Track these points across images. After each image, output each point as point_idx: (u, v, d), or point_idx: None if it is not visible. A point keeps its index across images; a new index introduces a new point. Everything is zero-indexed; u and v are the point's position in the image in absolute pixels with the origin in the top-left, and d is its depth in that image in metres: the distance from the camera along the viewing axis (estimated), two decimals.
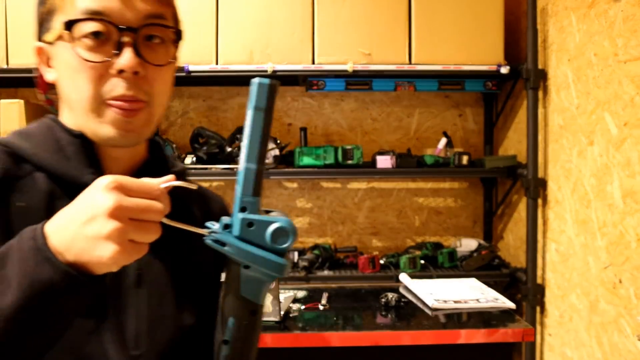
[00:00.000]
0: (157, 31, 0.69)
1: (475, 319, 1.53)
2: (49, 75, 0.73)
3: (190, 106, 2.82)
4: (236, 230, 0.60)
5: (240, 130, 2.56)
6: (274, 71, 2.29)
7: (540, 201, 2.39)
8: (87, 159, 0.70)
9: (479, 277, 1.95)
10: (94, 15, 0.65)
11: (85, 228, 0.52)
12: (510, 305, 1.59)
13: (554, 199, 2.30)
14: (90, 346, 0.68)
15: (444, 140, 2.60)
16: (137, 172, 0.74)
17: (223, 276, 0.64)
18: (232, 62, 2.34)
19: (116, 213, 0.52)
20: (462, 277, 1.90)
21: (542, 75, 2.35)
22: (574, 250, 2.11)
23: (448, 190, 2.90)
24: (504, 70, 2.38)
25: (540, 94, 2.38)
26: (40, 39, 0.72)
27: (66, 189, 0.68)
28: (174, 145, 2.53)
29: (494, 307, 1.58)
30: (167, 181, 0.59)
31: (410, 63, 2.39)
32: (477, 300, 1.62)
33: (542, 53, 2.36)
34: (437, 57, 2.38)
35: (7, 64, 2.37)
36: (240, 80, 2.62)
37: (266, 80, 0.58)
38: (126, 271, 0.71)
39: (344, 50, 2.36)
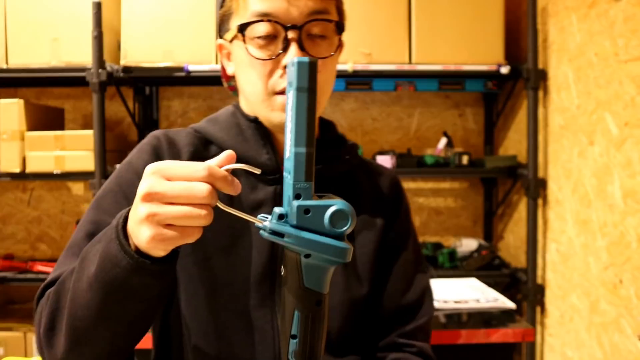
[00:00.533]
0: (319, 26, 0.74)
1: (476, 319, 1.53)
2: (229, 69, 0.82)
3: (190, 106, 2.82)
4: (293, 219, 0.57)
5: None
6: None
7: (540, 201, 2.38)
8: (262, 141, 0.78)
9: (479, 277, 1.94)
10: (263, 17, 0.72)
11: (133, 213, 0.56)
12: (511, 305, 1.58)
13: (554, 199, 2.29)
14: (259, 312, 0.74)
15: (444, 140, 2.60)
16: None
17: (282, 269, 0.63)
18: None
19: (148, 198, 0.54)
20: (462, 277, 1.90)
21: (543, 75, 2.35)
22: (575, 251, 2.11)
23: (448, 190, 2.90)
24: (504, 70, 2.37)
25: (541, 94, 2.38)
26: (220, 37, 0.81)
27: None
28: None
29: (494, 307, 1.58)
30: (228, 160, 0.57)
31: (410, 63, 2.39)
32: (477, 300, 1.61)
33: (543, 53, 2.36)
34: (437, 57, 2.38)
35: (7, 63, 2.37)
36: None
37: (306, 59, 0.55)
38: None
39: (344, 50, 2.36)
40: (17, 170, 2.35)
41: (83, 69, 2.31)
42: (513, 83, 2.54)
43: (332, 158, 0.81)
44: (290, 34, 0.72)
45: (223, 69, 0.86)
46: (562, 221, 2.22)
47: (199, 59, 2.31)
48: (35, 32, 2.36)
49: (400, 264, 0.85)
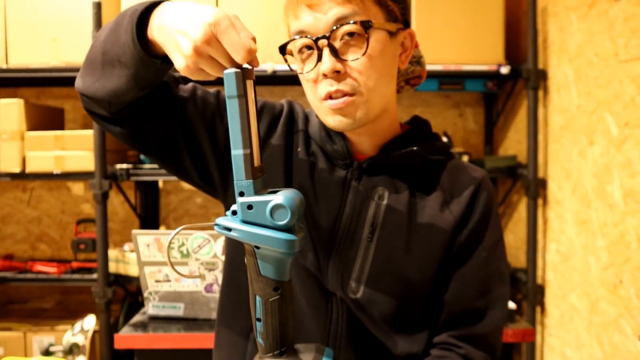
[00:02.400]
0: (346, 30, 0.77)
1: None
2: None
3: None
4: (239, 214, 0.63)
5: None
6: (274, 71, 2.29)
7: (540, 201, 2.38)
8: (334, 132, 0.86)
9: None
10: (297, 34, 0.79)
11: (179, 34, 0.63)
12: (511, 305, 1.58)
13: (554, 199, 2.29)
14: (314, 276, 0.83)
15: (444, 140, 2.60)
16: (384, 148, 0.87)
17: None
18: None
19: (201, 48, 0.62)
20: None
21: (543, 75, 2.35)
22: (575, 251, 2.11)
23: None
24: (504, 70, 2.37)
25: (541, 93, 2.38)
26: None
27: (324, 151, 0.88)
28: None
29: None
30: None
31: None
32: None
33: (543, 53, 2.36)
34: (437, 57, 2.38)
35: (7, 63, 2.37)
36: None
37: (232, 70, 0.62)
38: (362, 225, 0.83)
39: None
40: (17, 170, 2.35)
41: None
42: (513, 83, 2.54)
43: (405, 151, 0.86)
44: (321, 44, 0.77)
45: None
46: (562, 221, 2.22)
47: None
48: (35, 32, 2.36)
49: (473, 267, 0.85)
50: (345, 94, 0.78)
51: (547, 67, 2.34)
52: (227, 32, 0.62)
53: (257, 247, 0.63)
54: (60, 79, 2.55)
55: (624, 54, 1.80)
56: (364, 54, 0.78)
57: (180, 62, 0.64)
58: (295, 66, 0.82)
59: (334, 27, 0.77)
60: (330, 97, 0.79)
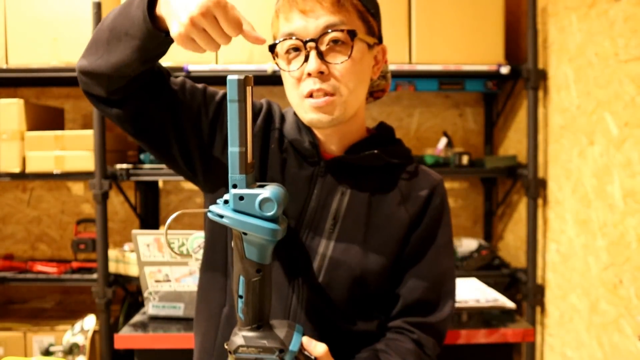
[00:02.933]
0: (333, 37, 0.86)
1: (475, 319, 1.53)
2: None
3: None
4: (231, 203, 0.72)
5: None
6: (274, 71, 2.29)
7: (540, 201, 2.38)
8: (307, 130, 0.95)
9: (479, 277, 1.94)
10: (287, 36, 0.87)
11: (180, 6, 0.71)
12: (511, 305, 1.58)
13: (554, 199, 2.29)
14: (285, 263, 0.90)
15: (444, 140, 2.60)
16: (350, 149, 0.95)
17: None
18: (232, 61, 2.34)
19: (197, 20, 0.70)
20: (462, 277, 1.90)
21: (543, 75, 2.35)
22: (575, 251, 2.11)
23: (448, 190, 2.86)
24: (504, 70, 2.37)
25: (541, 94, 2.38)
26: (273, 59, 0.96)
27: (295, 149, 0.95)
28: None
29: (494, 307, 1.58)
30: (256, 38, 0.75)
31: (410, 63, 2.39)
32: (477, 300, 1.61)
33: (543, 53, 2.36)
34: (437, 57, 2.38)
35: (7, 63, 2.37)
36: None
37: (235, 77, 0.71)
38: (325, 217, 0.92)
39: None
40: (17, 170, 2.36)
41: None
42: (513, 83, 2.54)
43: (367, 153, 0.95)
44: (309, 47, 0.85)
45: None
46: (562, 221, 2.22)
47: (199, 59, 2.31)
48: (35, 32, 2.36)
49: (427, 263, 0.94)
50: (326, 93, 0.87)
51: (547, 67, 2.34)
52: (224, 10, 0.70)
53: (245, 234, 0.72)
54: (60, 79, 2.56)
55: (624, 54, 1.80)
56: (347, 59, 0.86)
57: (175, 29, 0.71)
58: (282, 64, 0.90)
59: (323, 33, 0.85)
60: (311, 95, 0.87)
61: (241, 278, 0.74)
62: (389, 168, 0.96)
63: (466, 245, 2.61)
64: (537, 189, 2.36)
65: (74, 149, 2.36)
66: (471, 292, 1.70)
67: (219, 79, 2.68)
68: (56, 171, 2.36)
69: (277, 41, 0.90)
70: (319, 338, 0.84)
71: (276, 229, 0.71)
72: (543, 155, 2.38)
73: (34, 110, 2.47)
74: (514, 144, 2.66)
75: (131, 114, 0.89)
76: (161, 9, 0.76)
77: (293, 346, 0.76)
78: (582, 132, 2.05)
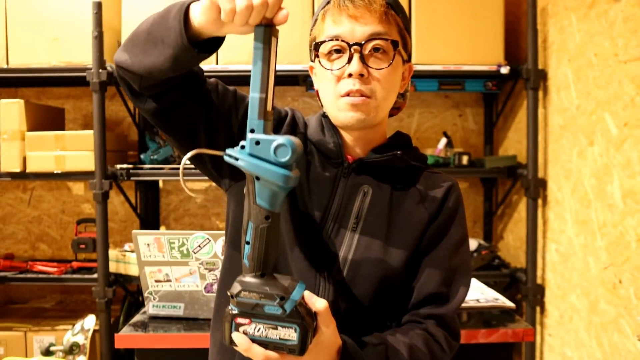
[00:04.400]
0: (377, 44, 0.92)
1: (475, 319, 1.53)
2: (315, 84, 1.01)
3: None
4: (247, 148, 0.73)
5: None
6: (276, 72, 2.29)
7: (540, 201, 2.39)
8: (331, 132, 0.99)
9: (479, 277, 1.94)
10: (333, 37, 0.92)
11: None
12: (510, 305, 1.58)
13: (554, 199, 2.30)
14: (309, 259, 0.93)
15: (444, 140, 2.60)
16: (370, 151, 0.98)
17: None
18: (232, 62, 2.34)
19: None
20: None
21: (542, 76, 2.35)
22: (574, 251, 2.11)
23: None
24: (504, 70, 2.37)
25: (541, 94, 2.38)
26: (310, 59, 1.01)
27: (320, 151, 0.99)
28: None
29: (494, 307, 1.58)
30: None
31: None
32: (477, 300, 1.61)
33: (542, 53, 2.36)
34: (437, 57, 2.38)
35: (7, 63, 2.37)
36: (240, 80, 2.60)
37: (262, 25, 0.72)
38: (348, 216, 0.95)
39: None
40: (17, 170, 2.36)
41: (83, 69, 2.31)
42: (513, 83, 2.55)
43: (387, 155, 0.99)
44: (354, 50, 0.90)
45: (313, 85, 1.06)
46: (561, 221, 2.22)
47: None
48: (36, 32, 2.37)
49: (436, 255, 0.98)
50: (363, 94, 0.91)
51: (547, 68, 2.34)
52: None
53: (258, 178, 0.73)
54: (60, 79, 2.56)
55: (623, 55, 1.81)
56: (387, 67, 0.92)
57: (226, 4, 0.72)
58: (325, 63, 0.95)
59: (369, 39, 0.91)
60: (348, 95, 0.91)
61: (250, 224, 0.75)
62: (409, 170, 1.01)
63: None
64: (536, 189, 2.36)
65: (75, 149, 2.36)
66: (471, 292, 1.70)
67: (219, 79, 2.68)
68: (56, 171, 2.36)
69: (322, 40, 0.94)
70: (342, 331, 0.85)
71: (288, 174, 0.72)
72: (543, 155, 2.38)
73: (34, 110, 2.47)
74: (513, 144, 2.66)
75: (163, 110, 0.92)
76: (198, 14, 0.77)
77: (294, 295, 0.76)
78: (582, 132, 2.05)
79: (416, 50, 2.38)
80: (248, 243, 0.76)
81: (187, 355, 1.46)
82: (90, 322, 2.13)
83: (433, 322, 0.95)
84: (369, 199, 0.96)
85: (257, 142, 0.73)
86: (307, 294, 0.80)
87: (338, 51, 0.93)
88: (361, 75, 0.90)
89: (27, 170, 2.37)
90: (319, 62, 0.95)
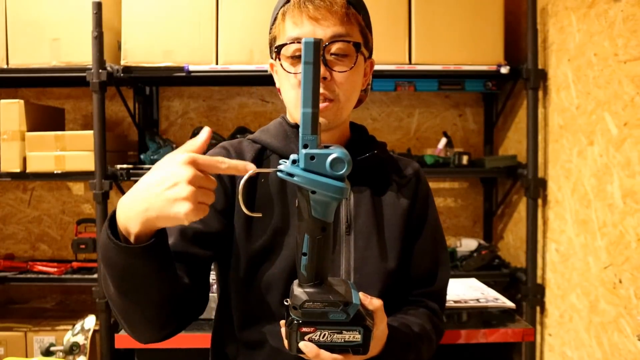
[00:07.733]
0: (340, 46, 0.92)
1: (475, 319, 1.53)
2: (276, 83, 1.02)
3: (190, 106, 2.83)
4: (301, 163, 0.74)
5: (240, 130, 2.56)
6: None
7: (540, 201, 2.39)
8: (296, 139, 0.96)
9: (479, 277, 1.94)
10: (294, 39, 0.92)
11: (167, 192, 0.69)
12: (510, 305, 1.59)
13: (554, 199, 2.30)
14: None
15: (444, 140, 2.60)
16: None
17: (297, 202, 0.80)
18: (232, 62, 2.34)
19: (194, 181, 0.69)
20: (462, 277, 1.90)
21: (542, 75, 2.35)
22: (574, 250, 2.11)
23: (448, 190, 2.90)
24: (504, 70, 2.38)
25: (540, 94, 2.38)
26: (271, 57, 1.01)
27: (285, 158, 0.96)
28: (174, 145, 2.53)
29: (494, 307, 1.58)
30: (207, 138, 0.75)
31: (410, 63, 2.39)
32: (477, 300, 1.61)
33: (542, 53, 2.36)
34: (437, 57, 2.38)
35: (7, 64, 2.37)
36: (240, 80, 2.61)
37: (311, 39, 0.72)
38: (338, 224, 0.97)
39: None
40: (17, 170, 2.36)
41: (83, 69, 2.31)
42: (513, 83, 2.55)
43: (365, 155, 1.01)
44: None
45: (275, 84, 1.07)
46: (561, 221, 2.22)
47: (199, 59, 2.31)
48: (36, 32, 2.37)
49: (422, 239, 1.04)
50: (326, 99, 0.92)
51: (546, 68, 2.34)
52: (207, 159, 0.72)
53: (314, 192, 0.74)
54: (60, 79, 2.56)
55: (623, 54, 1.81)
56: (350, 69, 0.92)
57: (182, 208, 0.68)
58: (287, 66, 0.94)
59: (331, 42, 0.91)
60: None
61: (306, 236, 0.77)
62: (377, 162, 1.03)
63: (466, 245, 2.62)
64: (536, 189, 2.36)
65: (75, 149, 2.36)
66: (471, 292, 1.70)
67: (219, 79, 2.70)
68: (56, 171, 2.36)
69: (284, 43, 0.93)
70: None
71: (344, 187, 0.74)
72: (543, 155, 2.38)
73: (34, 110, 2.47)
74: (513, 144, 2.66)
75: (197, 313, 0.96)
76: (122, 216, 0.73)
77: (356, 300, 0.80)
78: (582, 132, 2.05)
79: (416, 50, 2.39)
80: (305, 254, 0.78)
81: (187, 355, 1.46)
82: (90, 322, 2.13)
83: (429, 299, 1.04)
84: (353, 201, 0.99)
85: (312, 157, 0.74)
86: (362, 295, 0.84)
87: (297, 53, 0.92)
88: (324, 78, 0.90)
89: (27, 171, 2.37)
90: (281, 64, 0.95)
